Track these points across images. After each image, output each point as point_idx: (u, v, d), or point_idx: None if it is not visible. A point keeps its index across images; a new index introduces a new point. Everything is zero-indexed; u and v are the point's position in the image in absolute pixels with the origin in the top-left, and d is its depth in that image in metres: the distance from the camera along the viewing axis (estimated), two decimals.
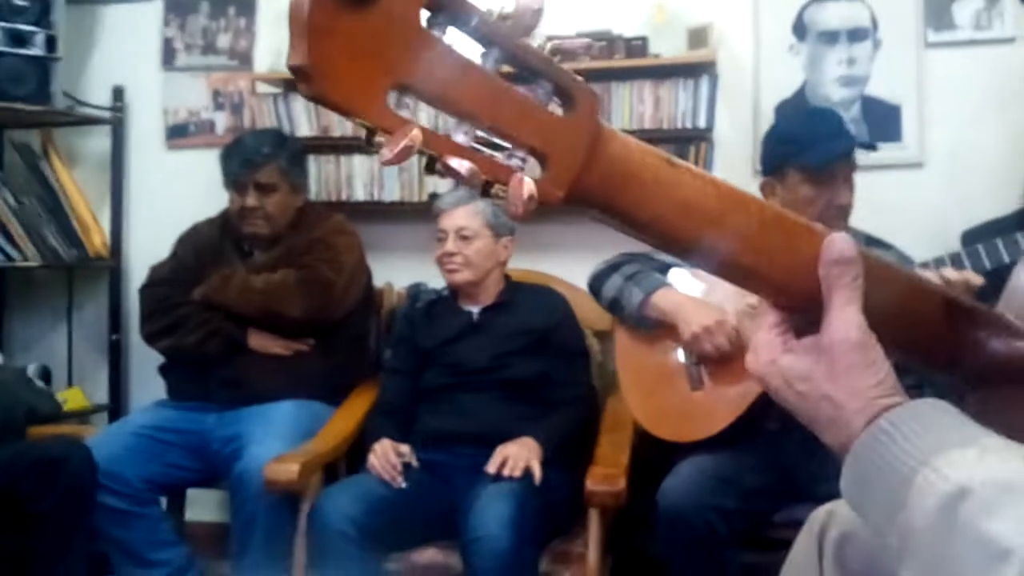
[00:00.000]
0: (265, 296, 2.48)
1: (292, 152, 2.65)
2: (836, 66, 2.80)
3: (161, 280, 2.62)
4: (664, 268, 2.21)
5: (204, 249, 2.64)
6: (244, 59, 3.21)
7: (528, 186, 0.57)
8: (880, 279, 0.70)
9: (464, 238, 2.35)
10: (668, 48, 2.77)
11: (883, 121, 2.76)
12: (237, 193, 2.57)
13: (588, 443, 2.26)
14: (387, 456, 2.18)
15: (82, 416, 3.12)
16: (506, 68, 0.58)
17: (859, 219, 2.15)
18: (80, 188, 3.19)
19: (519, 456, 2.09)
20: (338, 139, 2.93)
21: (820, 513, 1.04)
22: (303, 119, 2.94)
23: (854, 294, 0.67)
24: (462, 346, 2.37)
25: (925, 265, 1.96)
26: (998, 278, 1.84)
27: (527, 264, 2.69)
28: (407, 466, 2.19)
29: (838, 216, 2.05)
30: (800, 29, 2.82)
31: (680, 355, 2.14)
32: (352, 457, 2.41)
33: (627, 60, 2.74)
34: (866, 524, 0.65)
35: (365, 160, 2.91)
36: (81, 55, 3.27)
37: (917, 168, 2.74)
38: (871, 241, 2.19)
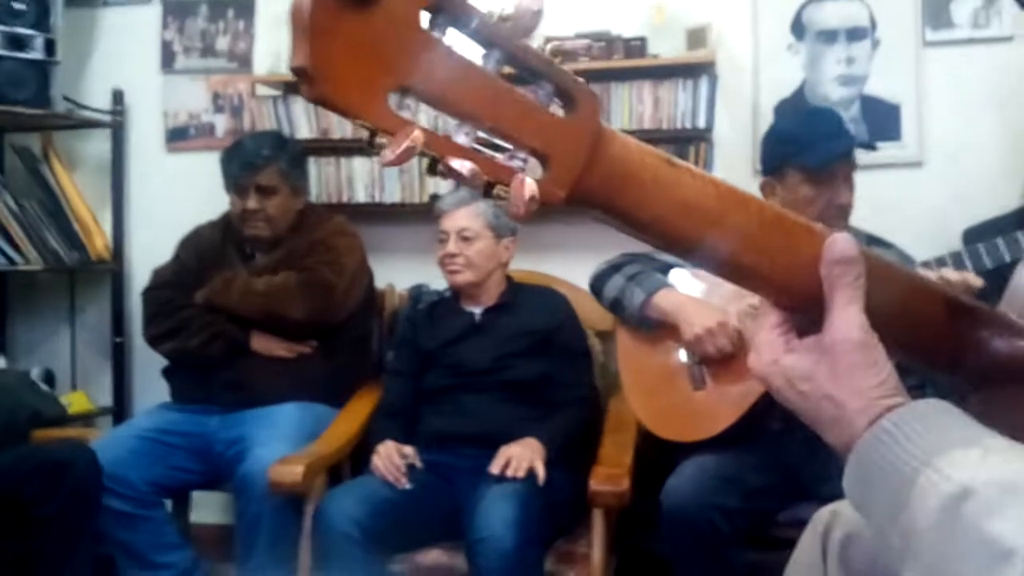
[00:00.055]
0: (267, 299, 2.48)
1: (292, 154, 2.65)
2: (835, 65, 2.80)
3: (164, 283, 2.63)
4: (665, 268, 2.21)
5: (206, 252, 2.64)
6: (243, 61, 3.21)
7: (530, 187, 0.58)
8: (881, 279, 0.70)
9: (465, 239, 2.36)
10: (667, 48, 2.77)
11: (882, 120, 2.76)
12: (238, 196, 2.57)
13: (591, 443, 2.26)
14: (391, 457, 2.18)
15: (86, 419, 3.12)
16: (507, 69, 0.58)
17: (859, 218, 2.15)
18: (81, 191, 3.19)
19: (522, 457, 2.09)
20: (338, 141, 2.94)
21: (824, 513, 1.04)
22: (303, 121, 2.94)
23: (856, 294, 0.67)
24: (464, 347, 2.37)
25: (926, 264, 1.96)
26: (999, 277, 1.84)
27: (529, 265, 2.69)
28: (411, 467, 2.19)
29: (838, 216, 2.05)
30: (799, 28, 2.83)
31: (682, 355, 2.14)
32: (356, 459, 2.41)
33: (626, 60, 2.74)
34: (869, 524, 0.65)
35: (366, 162, 2.91)
36: (80, 58, 3.27)
37: (917, 167, 2.75)
38: (872, 240, 2.20)
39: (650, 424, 2.17)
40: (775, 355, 0.70)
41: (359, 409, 2.52)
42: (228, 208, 2.65)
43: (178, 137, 3.27)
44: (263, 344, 2.53)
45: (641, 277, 2.18)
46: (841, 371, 0.66)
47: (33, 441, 2.50)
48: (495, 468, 2.07)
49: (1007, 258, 1.94)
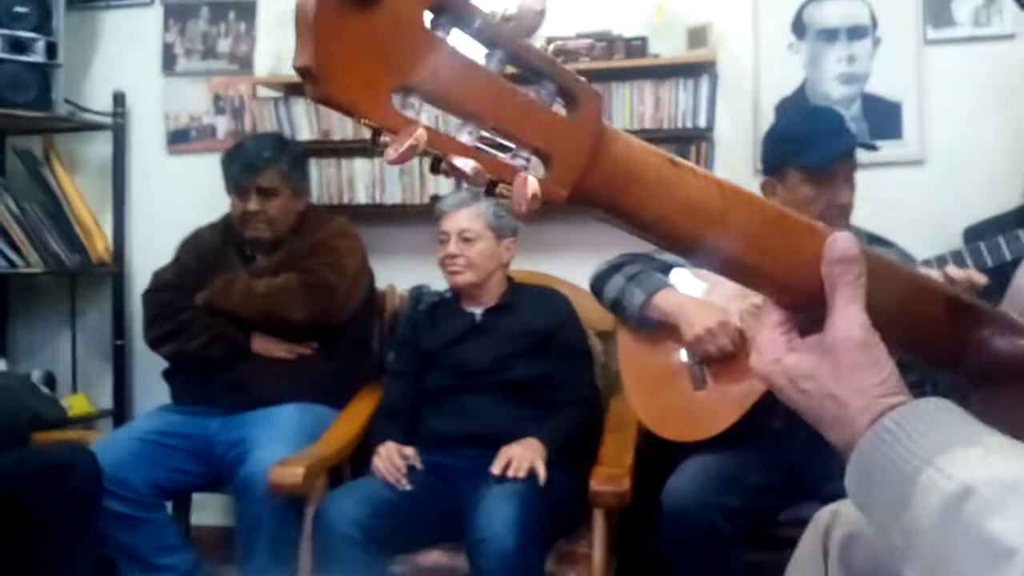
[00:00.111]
0: (267, 300, 2.48)
1: (293, 156, 2.65)
2: (836, 64, 2.80)
3: (164, 285, 2.63)
4: (666, 268, 2.21)
5: (207, 254, 2.64)
6: (244, 63, 3.22)
7: (532, 185, 0.58)
8: (883, 277, 0.70)
9: (466, 240, 2.36)
10: (668, 48, 2.77)
11: (883, 119, 2.76)
12: (239, 197, 2.57)
13: (592, 443, 2.26)
14: (392, 459, 2.18)
15: (87, 421, 3.13)
16: (510, 69, 0.58)
17: (860, 217, 2.15)
18: (82, 194, 3.19)
19: (523, 457, 2.09)
20: (339, 142, 2.94)
21: (825, 513, 1.04)
22: (304, 123, 2.95)
23: (857, 292, 0.67)
24: (465, 348, 2.37)
25: (928, 263, 1.95)
26: (1001, 275, 1.84)
27: (529, 265, 2.69)
28: (412, 468, 2.19)
29: (839, 215, 2.04)
30: (799, 27, 2.83)
31: (683, 355, 2.14)
32: (356, 460, 2.41)
33: (627, 60, 2.74)
34: (871, 523, 0.65)
35: (366, 163, 2.92)
36: (82, 61, 3.27)
37: (918, 165, 2.75)
38: (873, 239, 2.19)
39: (651, 424, 2.17)
40: (777, 354, 0.70)
41: (360, 410, 2.52)
42: (229, 210, 2.65)
43: (179, 139, 3.27)
44: (264, 346, 2.53)
45: (641, 277, 2.18)
46: (843, 370, 0.66)
47: (33, 444, 2.50)
48: (496, 468, 2.07)
49: (1008, 256, 1.94)
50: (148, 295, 2.65)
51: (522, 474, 2.05)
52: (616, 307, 2.22)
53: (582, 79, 0.60)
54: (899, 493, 0.61)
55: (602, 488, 2.03)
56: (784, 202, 2.01)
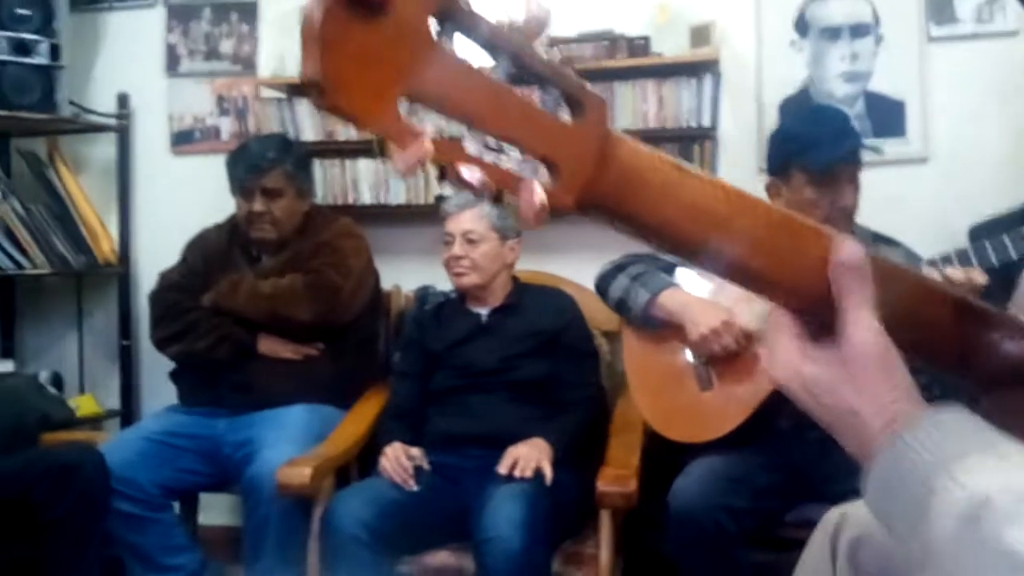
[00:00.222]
0: (273, 301, 2.49)
1: (298, 156, 2.65)
2: (839, 62, 2.80)
3: (171, 286, 2.63)
4: (670, 268, 2.20)
5: (213, 255, 2.64)
6: (247, 64, 3.22)
7: (539, 194, 0.58)
8: (889, 281, 0.70)
9: (471, 241, 2.36)
10: (671, 47, 2.77)
11: (887, 117, 2.75)
12: (244, 198, 2.57)
13: (598, 444, 2.26)
14: (398, 459, 2.19)
15: (94, 422, 3.14)
16: (515, 76, 0.58)
17: (864, 216, 2.14)
18: (87, 195, 3.20)
19: (530, 457, 2.09)
20: (343, 143, 2.94)
21: (834, 515, 1.04)
22: (308, 123, 2.95)
23: (865, 297, 0.67)
24: (471, 348, 2.37)
25: (932, 263, 1.94)
26: (1006, 274, 1.84)
27: (534, 265, 2.70)
28: (418, 469, 2.20)
29: (842, 218, 2.01)
30: (802, 25, 2.82)
31: (688, 355, 2.14)
32: (363, 460, 2.41)
33: (630, 60, 2.74)
34: (891, 535, 0.65)
35: (371, 163, 2.92)
36: (85, 63, 3.28)
37: (921, 163, 2.74)
38: (878, 238, 2.18)
39: (657, 425, 2.17)
40: (793, 364, 0.70)
41: (366, 411, 2.53)
42: (234, 211, 2.65)
43: (183, 140, 3.28)
44: (270, 346, 2.53)
45: (646, 277, 2.18)
46: (862, 384, 0.66)
47: (41, 444, 2.51)
48: (502, 468, 2.08)
49: (1014, 255, 1.93)
50: (155, 296, 2.65)
51: (528, 474, 2.06)
52: (621, 307, 2.22)
53: (587, 85, 0.61)
54: (917, 503, 0.60)
55: (609, 489, 2.03)
56: (789, 203, 2.01)
